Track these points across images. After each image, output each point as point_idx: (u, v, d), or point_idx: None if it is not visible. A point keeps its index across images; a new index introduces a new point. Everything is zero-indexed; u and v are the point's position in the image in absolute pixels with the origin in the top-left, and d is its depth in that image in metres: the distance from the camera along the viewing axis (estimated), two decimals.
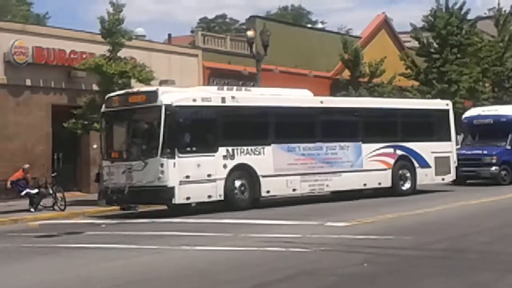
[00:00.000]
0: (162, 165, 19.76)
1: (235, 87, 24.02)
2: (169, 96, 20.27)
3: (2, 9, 48.68)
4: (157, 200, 20.85)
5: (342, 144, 23.90)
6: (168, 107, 19.89)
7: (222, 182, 20.85)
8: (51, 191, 23.32)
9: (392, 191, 24.85)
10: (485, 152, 30.12)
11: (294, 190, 22.77)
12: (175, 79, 31.75)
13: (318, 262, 11.57)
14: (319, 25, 63.19)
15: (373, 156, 24.75)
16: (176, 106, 20.07)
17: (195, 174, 20.21)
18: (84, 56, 29.15)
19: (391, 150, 25.29)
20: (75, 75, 29.32)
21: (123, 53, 26.88)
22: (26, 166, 23.68)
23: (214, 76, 35.68)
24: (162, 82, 29.67)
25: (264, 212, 20.38)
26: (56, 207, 22.72)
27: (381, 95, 37.71)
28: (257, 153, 21.75)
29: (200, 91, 22.68)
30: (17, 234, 17.71)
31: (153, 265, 12.02)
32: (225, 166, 20.94)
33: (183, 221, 18.84)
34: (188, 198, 20.30)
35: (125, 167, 20.57)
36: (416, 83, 42.86)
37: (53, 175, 25.95)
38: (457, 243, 13.34)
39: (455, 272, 10.57)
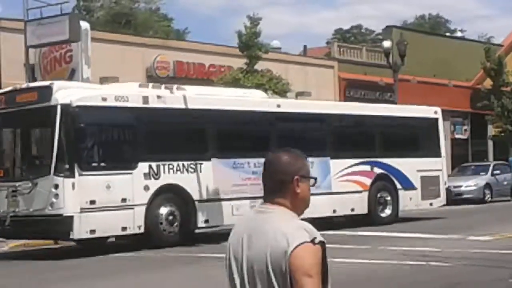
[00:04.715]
0: (56, 186, 14.95)
1: (163, 85, 18.11)
2: (67, 93, 15.37)
3: (144, 25, 50.52)
4: (49, 234, 16.13)
5: None
6: (65, 107, 15.02)
7: (143, 210, 15.96)
8: None
9: (368, 219, 20.21)
10: None
11: None
12: (311, 91, 31.85)
13: (461, 277, 11.27)
14: (458, 34, 61.72)
15: (345, 175, 19.99)
16: (77, 107, 15.16)
17: (103, 199, 15.36)
18: (222, 69, 29.77)
19: (367, 167, 20.58)
20: None
21: (259, 65, 27.24)
22: None
23: (350, 87, 35.51)
24: (298, 94, 29.85)
25: (401, 225, 20.00)
26: None
27: None
28: (191, 170, 16.93)
29: (116, 88, 17.92)
30: None
31: None
32: (146, 187, 16.12)
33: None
34: (92, 232, 15.29)
35: (9, 189, 15.68)
36: None
37: None
38: None
39: None
